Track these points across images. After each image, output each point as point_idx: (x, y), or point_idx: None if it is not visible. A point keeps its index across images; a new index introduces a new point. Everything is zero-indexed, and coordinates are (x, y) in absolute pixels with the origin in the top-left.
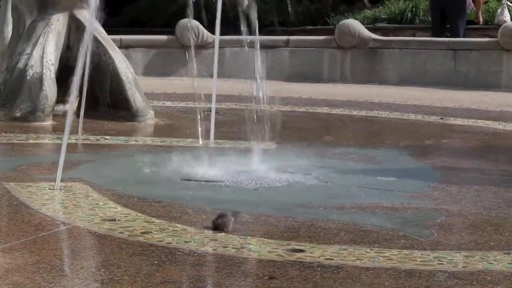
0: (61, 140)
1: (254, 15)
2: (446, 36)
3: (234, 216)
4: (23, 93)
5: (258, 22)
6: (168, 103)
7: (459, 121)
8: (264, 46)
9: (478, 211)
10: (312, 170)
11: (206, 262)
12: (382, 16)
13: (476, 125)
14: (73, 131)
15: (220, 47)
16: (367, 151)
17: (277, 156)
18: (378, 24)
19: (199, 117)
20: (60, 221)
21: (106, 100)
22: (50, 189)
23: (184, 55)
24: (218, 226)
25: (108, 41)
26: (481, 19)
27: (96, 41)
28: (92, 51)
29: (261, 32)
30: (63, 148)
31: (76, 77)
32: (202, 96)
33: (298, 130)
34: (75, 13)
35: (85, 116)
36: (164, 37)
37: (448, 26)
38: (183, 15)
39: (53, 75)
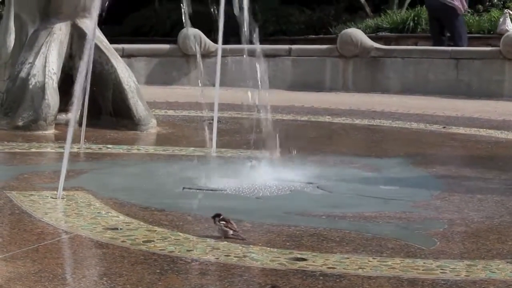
0: (63, 149)
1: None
2: (449, 45)
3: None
4: (26, 102)
5: (261, 31)
6: (170, 112)
7: (461, 130)
8: (267, 55)
9: (480, 220)
10: (314, 179)
11: (209, 270)
12: (384, 25)
13: (478, 134)
14: (75, 140)
15: (222, 56)
16: (370, 160)
17: (279, 165)
18: (380, 33)
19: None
20: (62, 230)
21: (108, 109)
22: (52, 198)
23: (186, 64)
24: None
25: (111, 50)
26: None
27: (98, 50)
28: (95, 60)
29: (264, 41)
30: (66, 157)
31: (78, 86)
32: (205, 105)
33: (300, 139)
34: (77, 22)
35: (87, 125)
36: (166, 46)
37: (448, 35)
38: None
39: (55, 84)
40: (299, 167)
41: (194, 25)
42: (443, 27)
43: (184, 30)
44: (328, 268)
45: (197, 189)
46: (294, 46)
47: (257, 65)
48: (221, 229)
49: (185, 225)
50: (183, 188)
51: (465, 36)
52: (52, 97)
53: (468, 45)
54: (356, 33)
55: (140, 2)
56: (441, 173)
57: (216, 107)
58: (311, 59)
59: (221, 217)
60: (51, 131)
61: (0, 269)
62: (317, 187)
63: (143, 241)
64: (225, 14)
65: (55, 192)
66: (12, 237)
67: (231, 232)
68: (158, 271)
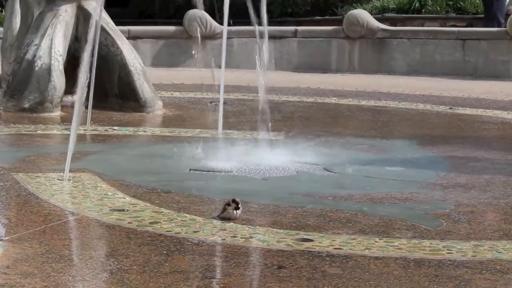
0: (70, 131)
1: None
2: (454, 26)
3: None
4: (32, 84)
5: (267, 12)
6: (176, 94)
7: (468, 111)
8: (273, 37)
9: (487, 201)
10: (320, 160)
11: (215, 252)
12: (391, 6)
13: (485, 115)
14: (82, 122)
15: (228, 38)
16: (376, 141)
17: (285, 146)
18: (387, 14)
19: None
20: (69, 211)
21: (114, 91)
22: (59, 179)
23: (192, 46)
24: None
25: (116, 32)
26: None
27: (104, 32)
28: (100, 42)
29: (270, 23)
30: (72, 139)
31: (83, 68)
32: (210, 86)
33: (307, 120)
34: (83, 3)
35: (94, 107)
36: (172, 28)
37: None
38: (190, 6)
39: (61, 66)
40: (305, 148)
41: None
42: (497, 8)
43: (190, 12)
44: (335, 249)
45: (204, 171)
46: (300, 28)
47: (262, 47)
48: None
49: (192, 207)
50: (190, 169)
51: (497, 18)
52: (58, 79)
53: (474, 26)
54: (362, 14)
55: None
56: (447, 154)
57: (222, 89)
58: (317, 41)
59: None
60: (57, 113)
61: (8, 250)
62: (323, 168)
63: (149, 223)
64: None
65: (62, 173)
66: (19, 219)
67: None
68: (164, 252)
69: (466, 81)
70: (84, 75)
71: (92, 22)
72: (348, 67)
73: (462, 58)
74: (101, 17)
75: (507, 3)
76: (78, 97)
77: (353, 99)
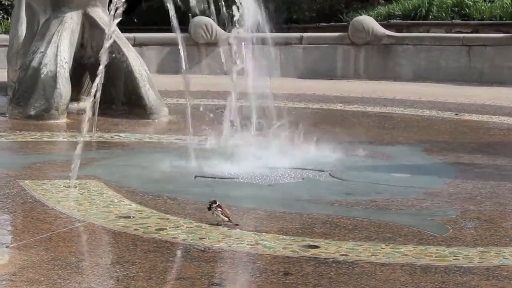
0: (75, 138)
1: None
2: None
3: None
4: (37, 91)
5: (272, 19)
6: (182, 101)
7: (473, 117)
8: (278, 43)
9: (493, 207)
10: (326, 166)
11: (221, 258)
12: (396, 13)
13: (491, 121)
14: (88, 129)
15: None
16: (382, 147)
17: (291, 153)
18: (392, 21)
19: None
20: (75, 218)
21: (120, 98)
22: (65, 186)
23: (198, 53)
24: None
25: (122, 39)
26: None
27: None
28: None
29: (275, 29)
30: (78, 146)
31: (90, 76)
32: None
33: (312, 126)
34: (88, 11)
35: (99, 114)
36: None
37: None
38: (196, 13)
39: (67, 73)
40: (311, 155)
41: (203, 13)
42: None
43: (195, 19)
44: (341, 255)
45: (209, 178)
46: (305, 34)
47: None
48: (219, 217)
49: (198, 213)
50: (195, 176)
51: None
52: (64, 86)
53: (480, 32)
54: (367, 20)
55: None
56: (453, 160)
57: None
58: (322, 47)
59: (217, 204)
60: (63, 120)
61: (14, 258)
62: (329, 175)
63: (155, 229)
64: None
65: (68, 180)
66: (25, 226)
67: (226, 219)
68: (171, 258)
69: (472, 87)
70: (98, 83)
71: (108, 35)
72: (354, 74)
73: (467, 64)
74: (111, 28)
75: None
76: (88, 104)
77: (358, 105)
